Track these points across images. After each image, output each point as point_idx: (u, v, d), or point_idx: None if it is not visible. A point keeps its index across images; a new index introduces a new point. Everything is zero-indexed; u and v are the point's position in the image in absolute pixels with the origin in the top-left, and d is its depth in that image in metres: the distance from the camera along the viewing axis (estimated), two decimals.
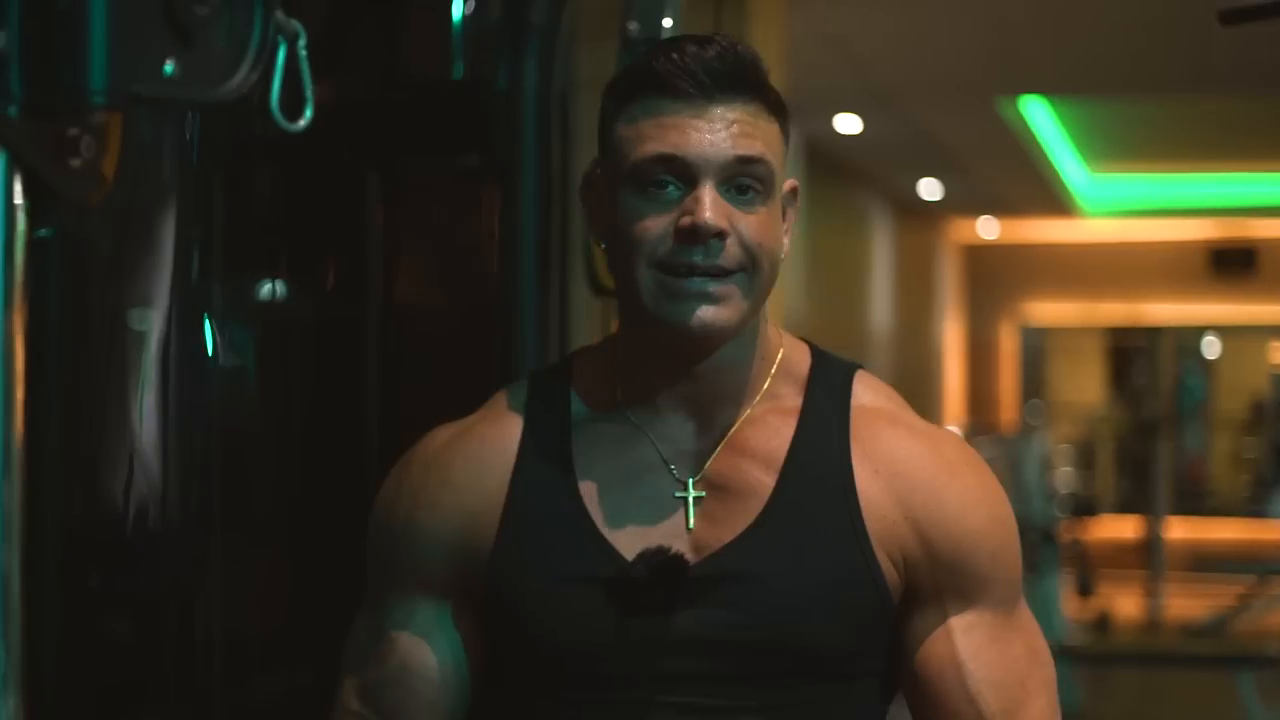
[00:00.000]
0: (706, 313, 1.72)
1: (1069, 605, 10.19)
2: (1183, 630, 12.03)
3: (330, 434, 2.44)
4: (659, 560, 1.74)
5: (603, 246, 1.82)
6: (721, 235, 1.71)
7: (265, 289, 2.35)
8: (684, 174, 1.71)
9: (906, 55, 8.10)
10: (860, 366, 1.90)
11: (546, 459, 1.83)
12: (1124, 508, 15.53)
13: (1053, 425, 14.71)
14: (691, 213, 1.70)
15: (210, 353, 2.18)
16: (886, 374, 12.94)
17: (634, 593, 1.74)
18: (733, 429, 1.82)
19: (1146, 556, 13.67)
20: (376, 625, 1.87)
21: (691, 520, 1.79)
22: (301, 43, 1.77)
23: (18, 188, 1.30)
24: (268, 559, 2.35)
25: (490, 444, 1.86)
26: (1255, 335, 16.52)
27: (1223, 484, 16.95)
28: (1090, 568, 11.68)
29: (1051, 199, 13.67)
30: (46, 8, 1.28)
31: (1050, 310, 16.68)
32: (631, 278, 1.74)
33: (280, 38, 1.75)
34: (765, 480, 1.79)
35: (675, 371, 1.79)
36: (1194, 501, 16.36)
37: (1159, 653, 11.07)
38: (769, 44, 5.79)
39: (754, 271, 1.74)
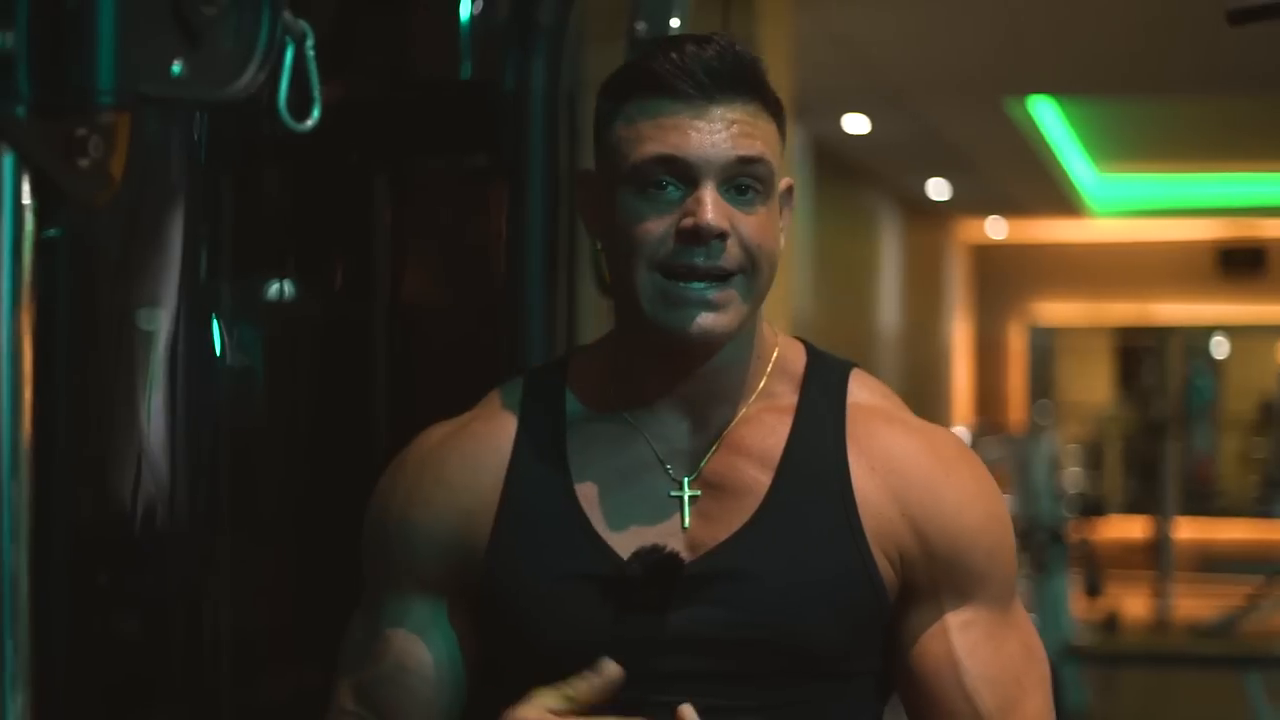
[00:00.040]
0: (706, 320, 1.71)
1: (1077, 605, 10.17)
2: (1191, 630, 12.01)
3: (338, 434, 2.44)
4: (654, 558, 1.73)
5: (599, 247, 1.82)
6: (723, 236, 1.70)
7: (273, 289, 2.35)
8: (684, 175, 1.71)
9: (914, 55, 8.10)
10: (855, 365, 1.90)
11: (541, 457, 1.83)
12: (1132, 508, 15.52)
13: (1061, 425, 14.71)
14: (693, 214, 1.70)
15: (218, 352, 2.18)
16: (894, 374, 13.00)
17: (629, 591, 1.74)
18: (728, 428, 1.81)
19: (1155, 557, 13.66)
20: (372, 624, 1.87)
21: (687, 519, 1.78)
22: (309, 43, 1.77)
23: (26, 188, 1.30)
24: (276, 559, 2.35)
25: (485, 442, 1.85)
26: (1264, 335, 16.49)
27: (1231, 484, 16.93)
28: (1098, 568, 11.65)
29: (1060, 199, 13.67)
30: (54, 8, 1.28)
31: (1058, 310, 16.67)
32: (631, 280, 1.73)
33: (288, 38, 1.75)
34: (761, 479, 1.79)
35: (672, 372, 1.79)
36: (1202, 502, 16.34)
37: (1167, 653, 11.05)
38: (777, 44, 5.80)
39: (753, 273, 1.74)
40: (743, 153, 1.72)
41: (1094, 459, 15.96)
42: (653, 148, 1.71)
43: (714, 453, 1.81)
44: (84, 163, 1.34)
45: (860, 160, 11.68)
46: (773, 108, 1.78)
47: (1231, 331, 16.72)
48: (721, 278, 1.71)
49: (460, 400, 1.92)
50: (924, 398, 14.53)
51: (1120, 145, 12.69)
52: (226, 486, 2.22)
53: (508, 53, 2.56)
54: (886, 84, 8.75)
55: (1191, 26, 6.98)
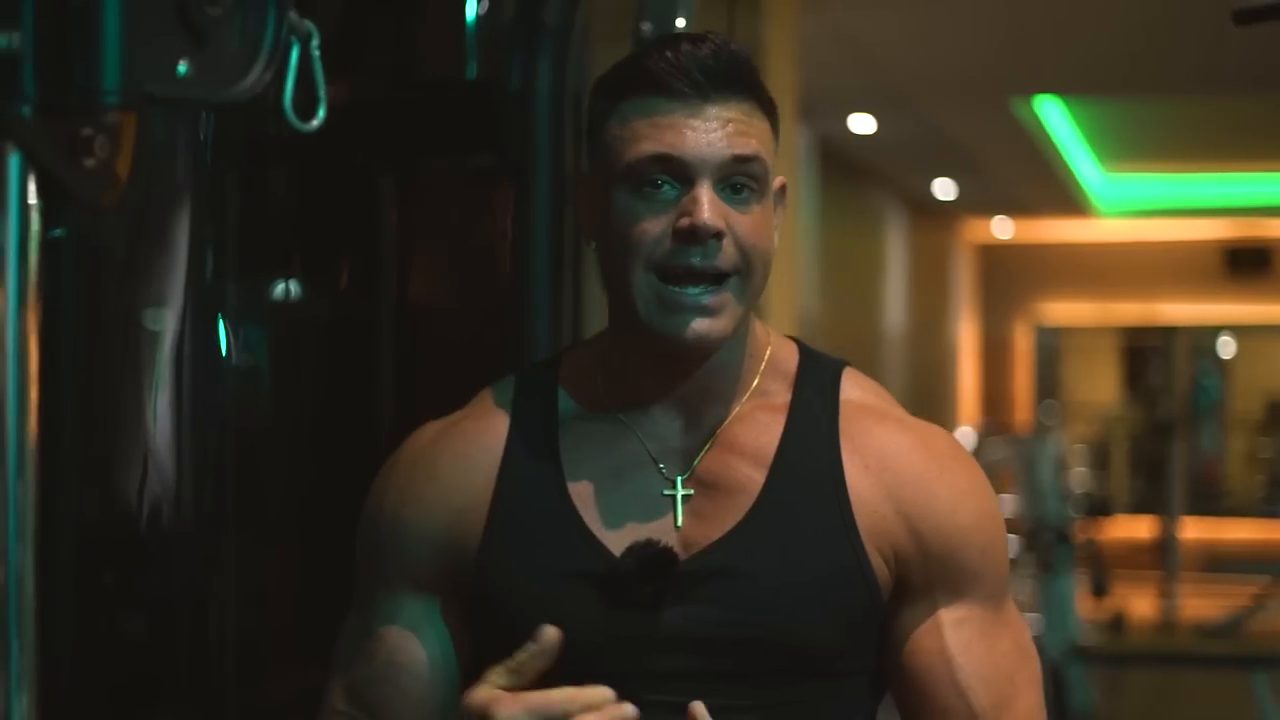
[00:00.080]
0: (701, 325, 1.71)
1: (1083, 605, 10.17)
2: (1197, 630, 11.99)
3: (343, 434, 2.44)
4: (649, 553, 1.73)
5: (593, 246, 1.81)
6: (719, 236, 1.70)
7: (279, 289, 2.35)
8: (680, 174, 1.71)
9: (920, 55, 8.10)
10: (848, 364, 1.90)
11: (534, 456, 1.83)
12: (1139, 508, 15.51)
13: (1067, 425, 14.70)
14: (690, 213, 1.69)
15: (224, 352, 2.18)
16: (901, 374, 13.01)
17: (623, 589, 1.73)
18: (721, 426, 1.81)
19: (1161, 557, 13.65)
20: (365, 623, 1.86)
21: (680, 518, 1.78)
22: (315, 43, 1.77)
23: (32, 187, 1.30)
24: (281, 559, 2.36)
25: (477, 440, 1.85)
26: (1271, 335, 16.48)
27: (1238, 484, 16.92)
28: (1105, 568, 11.65)
29: (1066, 199, 13.67)
30: (60, 8, 1.28)
31: (1065, 310, 16.66)
32: (626, 281, 1.73)
33: (294, 38, 1.75)
34: (755, 477, 1.79)
35: (666, 373, 1.79)
36: (1209, 502, 16.33)
37: (1173, 653, 11.04)
38: (783, 44, 5.80)
39: (747, 274, 1.73)
40: (738, 151, 1.71)
41: (1100, 459, 15.95)
42: (648, 147, 1.71)
43: (707, 451, 1.80)
44: (90, 162, 1.34)
45: (866, 160, 11.68)
46: (767, 106, 1.78)
47: (1238, 331, 16.71)
48: (717, 280, 1.71)
49: (465, 400, 1.93)
50: (930, 398, 14.52)
51: (1126, 145, 12.68)
52: (232, 486, 2.22)
53: (513, 53, 2.56)
54: (892, 84, 8.75)
55: (1198, 26, 6.98)
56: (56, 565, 1.82)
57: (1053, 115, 10.72)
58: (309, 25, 1.76)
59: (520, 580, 1.78)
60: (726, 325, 1.73)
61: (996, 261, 16.71)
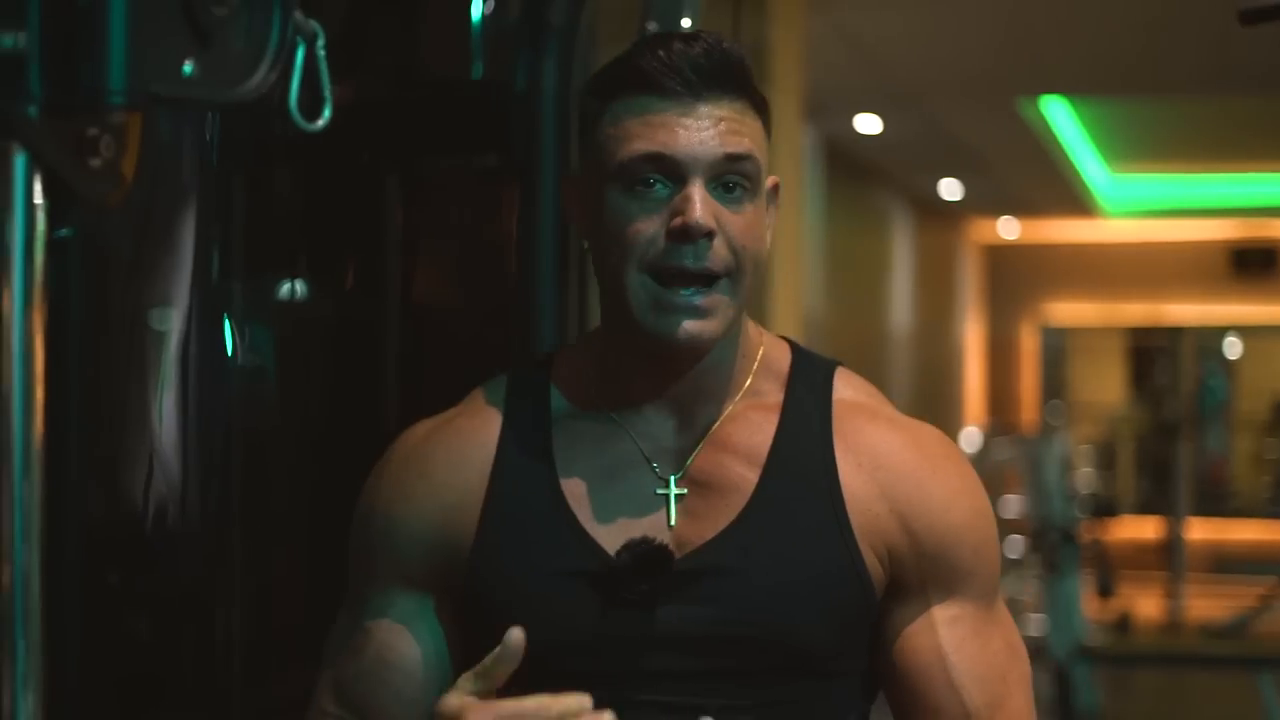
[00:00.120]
0: (693, 326, 1.71)
1: (1089, 606, 10.17)
2: (1203, 631, 12.00)
3: (349, 434, 2.45)
4: (644, 550, 1.72)
5: (585, 245, 1.81)
6: (710, 235, 1.70)
7: (285, 289, 2.35)
8: (673, 172, 1.71)
9: (927, 55, 8.10)
10: (840, 363, 1.90)
11: (527, 454, 1.82)
12: (1145, 508, 15.52)
13: (1073, 426, 14.71)
14: (682, 213, 1.69)
15: (230, 352, 2.18)
16: (906, 374, 13.01)
17: (617, 588, 1.73)
18: (714, 426, 1.81)
19: (1167, 557, 13.66)
20: (355, 621, 1.86)
21: (673, 517, 1.78)
22: (320, 43, 1.78)
23: (38, 187, 1.30)
24: (287, 558, 2.36)
25: (469, 438, 1.85)
26: (1277, 335, 16.46)
27: (1244, 485, 16.91)
28: (1111, 568, 11.65)
29: (1072, 199, 13.67)
30: (66, 8, 1.28)
31: (1071, 310, 16.66)
32: (620, 281, 1.73)
33: (299, 38, 1.75)
34: (748, 476, 1.79)
35: (659, 372, 1.79)
36: (1215, 502, 16.32)
37: (1180, 654, 11.04)
38: (789, 44, 5.80)
39: (738, 275, 1.73)
40: (731, 150, 1.71)
41: (1106, 459, 15.95)
42: (640, 145, 1.71)
43: (700, 450, 1.80)
44: (96, 162, 1.34)
45: (872, 160, 11.68)
46: (759, 105, 1.77)
47: (1244, 332, 16.70)
48: (708, 281, 1.71)
49: None
50: (936, 398, 14.52)
51: (1133, 145, 12.68)
52: (238, 486, 2.22)
53: (519, 53, 2.56)
54: (898, 84, 8.75)
55: (1204, 27, 6.97)
56: (62, 565, 1.82)
57: (1059, 115, 10.72)
58: (314, 25, 1.77)
59: (514, 578, 1.78)
60: (718, 326, 1.73)
61: (1002, 262, 16.71)
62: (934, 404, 14.41)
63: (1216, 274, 15.65)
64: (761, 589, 1.74)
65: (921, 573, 1.80)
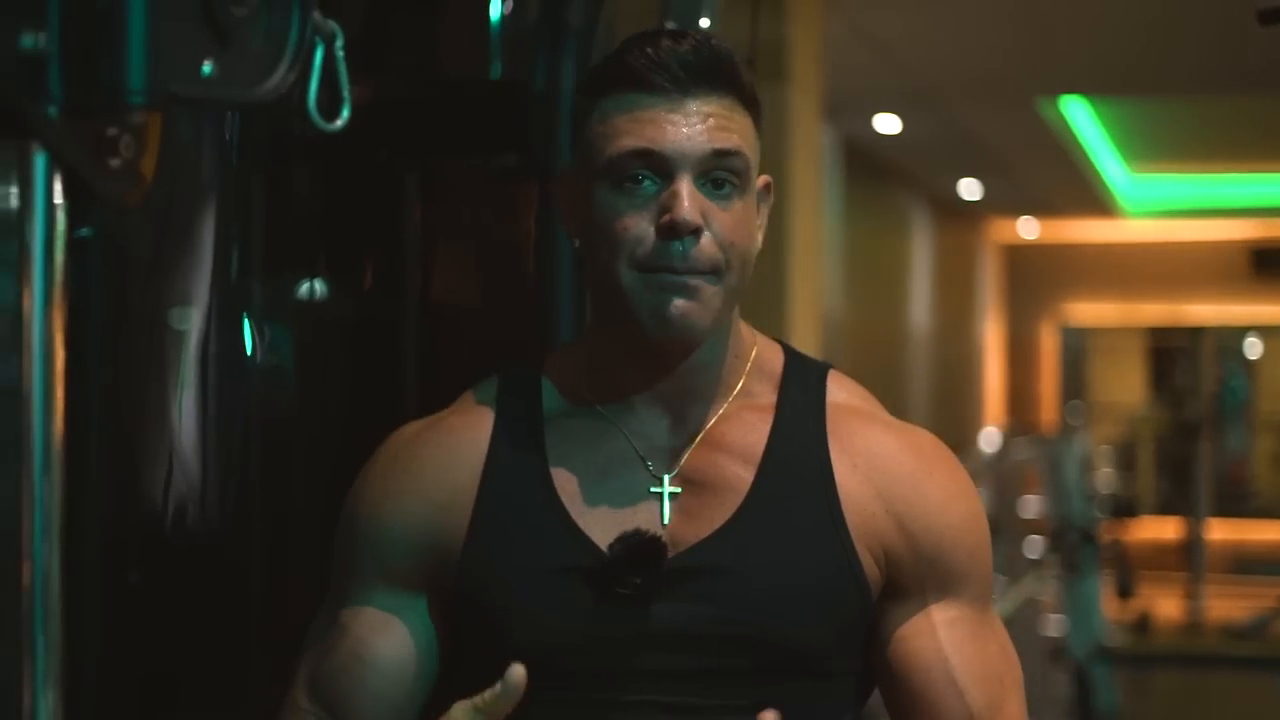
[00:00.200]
0: (684, 305, 1.71)
1: (1109, 606, 10.16)
2: (1223, 632, 11.99)
3: (368, 433, 2.45)
4: (637, 540, 1.71)
5: (576, 244, 1.81)
6: (698, 232, 1.70)
7: (304, 288, 2.36)
8: (660, 168, 1.71)
9: (946, 55, 8.09)
10: (832, 366, 1.90)
11: (519, 453, 1.81)
12: (1165, 509, 15.49)
13: (1093, 426, 14.69)
14: (670, 209, 1.69)
15: (249, 352, 2.19)
16: (926, 374, 13.01)
17: (611, 586, 1.72)
18: (708, 425, 1.81)
19: (1187, 558, 13.64)
20: (332, 616, 1.84)
21: (667, 516, 1.77)
22: (339, 43, 1.78)
23: (58, 187, 1.31)
24: (307, 557, 2.36)
25: (460, 436, 1.84)
26: None
27: (1264, 485, 16.87)
28: (1130, 569, 11.64)
29: (1092, 199, 13.65)
30: (85, 8, 1.28)
31: (1091, 310, 16.63)
32: (611, 277, 1.73)
33: (318, 38, 1.75)
34: (743, 475, 1.78)
35: (650, 369, 1.78)
36: (1235, 503, 16.29)
37: (1199, 654, 11.03)
38: (807, 44, 5.80)
39: (726, 271, 1.73)
40: (719, 145, 1.71)
41: (1126, 460, 15.93)
42: (628, 142, 1.71)
43: (694, 449, 1.80)
44: (115, 162, 1.34)
45: (892, 160, 11.67)
46: (749, 103, 1.77)
47: (1265, 332, 16.66)
48: (695, 275, 1.71)
49: None
50: (956, 398, 14.51)
51: (1152, 145, 12.66)
52: (257, 485, 2.23)
53: (538, 53, 2.56)
54: (917, 84, 8.75)
55: (1223, 27, 6.96)
56: (83, 563, 1.83)
57: (1078, 115, 10.71)
58: (333, 25, 1.77)
59: (506, 577, 1.76)
60: (706, 312, 1.72)
61: (1022, 261, 16.69)
62: (953, 404, 14.40)
63: (1237, 274, 15.61)
64: (757, 588, 1.74)
65: (919, 574, 1.80)
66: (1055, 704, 8.20)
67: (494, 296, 2.73)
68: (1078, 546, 8.87)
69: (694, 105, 1.71)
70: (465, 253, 2.71)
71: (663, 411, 1.80)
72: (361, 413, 2.45)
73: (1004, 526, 7.70)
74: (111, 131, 1.33)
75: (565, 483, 1.79)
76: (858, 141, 10.47)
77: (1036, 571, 8.27)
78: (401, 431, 1.89)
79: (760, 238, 1.80)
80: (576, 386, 1.85)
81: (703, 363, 1.79)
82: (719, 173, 1.72)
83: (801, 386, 1.85)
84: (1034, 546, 8.37)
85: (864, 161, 10.95)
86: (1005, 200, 14.31)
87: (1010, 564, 7.77)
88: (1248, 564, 14.72)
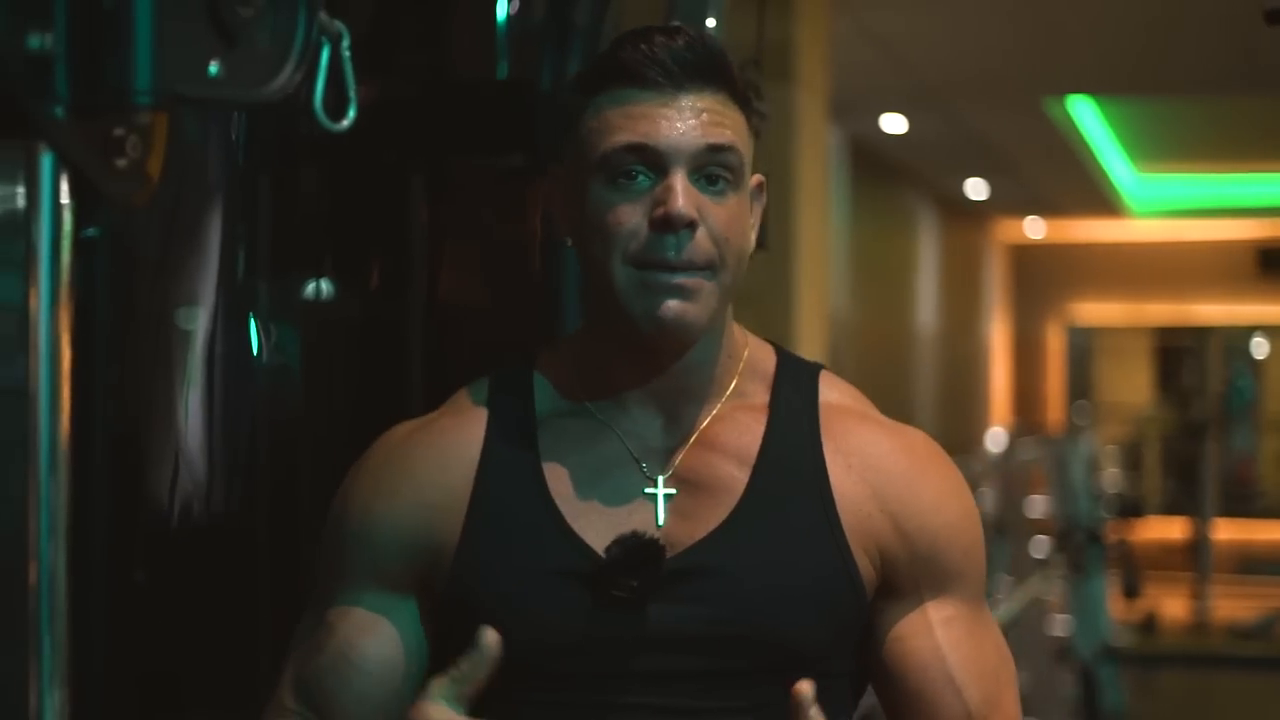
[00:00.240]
0: (678, 306, 1.70)
1: (1115, 606, 10.15)
2: (1230, 632, 11.99)
3: (374, 433, 2.45)
4: (634, 543, 1.70)
5: (568, 242, 1.80)
6: (692, 226, 1.69)
7: (310, 288, 2.36)
8: (654, 163, 1.70)
9: (952, 55, 8.09)
10: (823, 366, 1.90)
11: (513, 454, 1.80)
12: (1171, 509, 15.48)
13: (1099, 426, 14.66)
14: (664, 203, 1.68)
15: (255, 352, 2.19)
16: (933, 374, 13.00)
17: (607, 587, 1.71)
18: (702, 425, 1.80)
19: (1193, 558, 13.62)
20: (319, 617, 1.82)
21: (662, 517, 1.76)
22: (345, 43, 1.78)
23: (64, 187, 1.31)
24: (312, 557, 2.36)
25: (453, 437, 1.82)
26: None
27: (1271, 485, 16.86)
28: (1137, 569, 11.63)
29: (1098, 199, 13.65)
30: (91, 9, 1.29)
31: (1097, 310, 16.63)
32: (604, 273, 1.72)
33: (324, 38, 1.76)
34: (738, 476, 1.77)
35: (643, 368, 1.78)
36: (1242, 503, 16.28)
37: (1206, 654, 11.03)
38: (814, 43, 5.80)
39: (721, 267, 1.72)
40: (713, 140, 1.70)
41: (1133, 460, 15.91)
42: (622, 137, 1.70)
43: (688, 450, 1.79)
44: (122, 162, 1.34)
45: (898, 160, 11.67)
46: (742, 100, 1.77)
47: (1271, 331, 16.65)
48: (690, 270, 1.70)
49: None
50: (962, 398, 14.50)
51: (1159, 145, 12.65)
52: (263, 485, 2.23)
53: (544, 52, 2.56)
54: (924, 84, 8.75)
55: (1230, 26, 6.96)
56: (88, 563, 1.83)
57: (1085, 115, 10.70)
58: (339, 25, 1.77)
59: (501, 580, 1.75)
60: (702, 311, 1.71)
61: (1029, 261, 16.69)
62: (960, 404, 14.40)
63: (1243, 274, 15.60)
64: (753, 589, 1.73)
65: (914, 573, 1.79)
66: (1061, 704, 8.19)
67: (500, 296, 2.73)
68: (1084, 546, 8.86)
69: (687, 100, 1.71)
70: (472, 253, 2.71)
71: (656, 411, 1.79)
72: (368, 413, 2.45)
73: (1010, 526, 7.69)
74: (118, 132, 1.33)
75: (559, 484, 1.78)
76: (864, 141, 10.47)
77: (1042, 571, 8.26)
78: (393, 432, 1.88)
79: (754, 237, 1.80)
80: (569, 386, 1.83)
81: (696, 362, 1.78)
82: (713, 168, 1.71)
83: (794, 386, 1.85)
84: (1040, 546, 8.36)
85: (870, 161, 10.95)
86: (1012, 200, 14.30)
87: (1016, 564, 7.76)
88: (1254, 564, 14.71)
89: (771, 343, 1.91)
